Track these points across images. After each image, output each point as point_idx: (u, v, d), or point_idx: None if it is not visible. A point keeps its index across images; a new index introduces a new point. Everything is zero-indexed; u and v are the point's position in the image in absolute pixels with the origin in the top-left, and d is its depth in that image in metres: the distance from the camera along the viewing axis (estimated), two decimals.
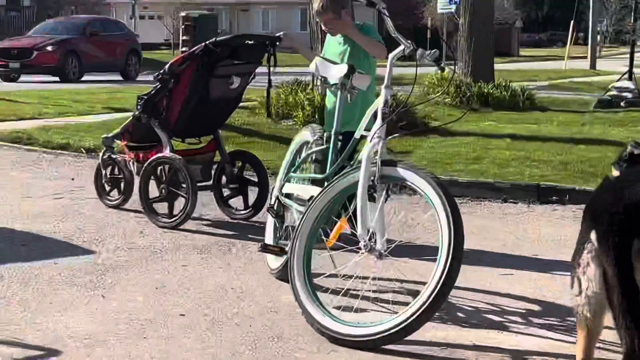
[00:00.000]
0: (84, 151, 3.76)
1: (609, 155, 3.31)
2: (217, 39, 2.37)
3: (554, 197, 2.82)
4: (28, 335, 1.31)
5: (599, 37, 18.49)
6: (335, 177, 1.51)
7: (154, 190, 2.39)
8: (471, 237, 1.95)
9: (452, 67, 3.24)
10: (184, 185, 2.23)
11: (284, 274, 1.60)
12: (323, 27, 2.02)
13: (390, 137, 1.51)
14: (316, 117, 4.11)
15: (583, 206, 2.66)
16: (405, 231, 2.19)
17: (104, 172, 2.56)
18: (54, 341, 1.27)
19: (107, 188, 2.60)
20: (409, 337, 1.21)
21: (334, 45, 2.05)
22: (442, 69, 1.74)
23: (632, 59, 7.22)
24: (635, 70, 7.20)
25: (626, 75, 6.92)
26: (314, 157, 1.77)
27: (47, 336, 1.30)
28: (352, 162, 1.57)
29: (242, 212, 2.46)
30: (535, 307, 1.61)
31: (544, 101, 6.58)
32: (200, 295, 1.63)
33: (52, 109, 5.83)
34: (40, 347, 1.25)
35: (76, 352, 1.21)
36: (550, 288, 1.75)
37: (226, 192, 2.51)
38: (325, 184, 1.56)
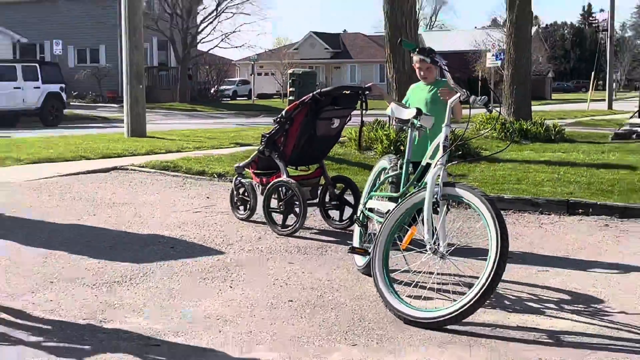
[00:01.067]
0: (216, 176, 4.57)
1: (624, 177, 4.25)
2: (322, 90, 2.92)
3: (580, 210, 3.36)
4: (173, 316, 1.66)
5: (614, 84, 25.88)
6: (407, 195, 1.83)
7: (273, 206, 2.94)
8: (515, 242, 2.35)
9: (498, 109, 3.70)
10: (297, 203, 2.78)
11: (368, 270, 1.96)
12: (420, 74, 2.28)
13: (449, 164, 1.81)
14: (392, 148, 4.77)
15: (604, 217, 2.93)
16: (462, 237, 2.51)
17: (235, 192, 3.20)
18: (194, 320, 1.63)
19: (238, 205, 3.23)
20: (466, 320, 1.50)
21: (419, 91, 2.35)
22: (490, 111, 2.18)
23: None
24: None
25: (637, 114, 9.60)
26: (390, 180, 2.16)
27: (188, 316, 1.66)
28: (419, 184, 1.85)
29: (340, 223, 3.01)
30: (566, 297, 1.92)
31: (572, 134, 8.03)
32: (304, 286, 2.01)
33: (192, 144, 7.06)
34: (183, 324, 1.58)
35: (210, 328, 1.55)
36: (579, 282, 2.07)
37: (328, 207, 3.05)
38: (399, 200, 1.86)
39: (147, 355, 1.35)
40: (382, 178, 2.26)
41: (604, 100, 19.81)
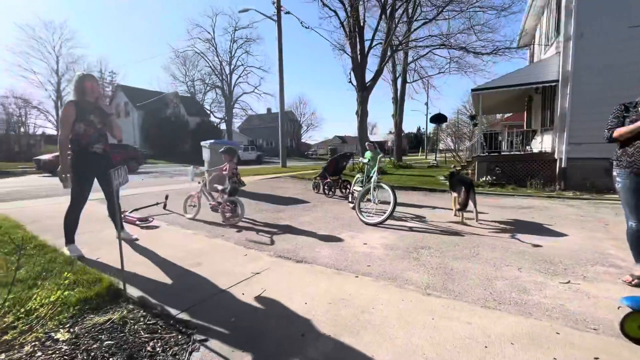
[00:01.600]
0: (306, 178, 9.36)
1: (430, 178, 8.02)
2: (337, 154, 7.24)
3: (417, 190, 6.81)
4: (291, 223, 5.64)
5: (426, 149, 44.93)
6: (364, 186, 5.67)
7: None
8: (399, 199, 6.23)
9: (390, 157, 9.66)
10: (332, 187, 7.17)
11: (352, 207, 5.84)
12: (369, 148, 6.37)
13: (378, 175, 5.64)
14: (360, 171, 9.10)
15: (424, 192, 8.90)
16: (382, 198, 6.30)
17: (314, 184, 7.80)
18: (303, 223, 5.50)
19: (316, 189, 7.70)
20: (385, 223, 5.35)
21: (370, 153, 6.24)
22: (388, 158, 6.41)
23: None
24: None
25: (433, 160, 22.41)
26: (360, 180, 6.13)
27: (300, 220, 5.62)
28: (368, 182, 5.63)
29: (344, 194, 7.28)
30: (413, 214, 5.78)
31: (414, 165, 20.87)
32: (334, 212, 5.78)
33: (301, 169, 14.74)
34: (301, 223, 5.52)
35: (309, 224, 5.38)
36: (419, 211, 5.87)
37: (341, 189, 7.41)
38: (363, 187, 5.66)
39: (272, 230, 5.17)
40: (356, 179, 6.23)
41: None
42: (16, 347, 1.54)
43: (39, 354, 1.89)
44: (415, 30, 16.71)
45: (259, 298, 2.61)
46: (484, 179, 9.99)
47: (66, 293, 2.16)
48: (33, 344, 1.92)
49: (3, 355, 1.45)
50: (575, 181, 9.00)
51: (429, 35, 15.82)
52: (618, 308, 2.46)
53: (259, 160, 32.48)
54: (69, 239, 3.55)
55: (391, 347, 2.01)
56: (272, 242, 4.12)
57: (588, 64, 8.80)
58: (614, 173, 2.91)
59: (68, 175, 3.42)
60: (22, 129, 33.17)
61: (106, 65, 53.00)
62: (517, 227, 4.95)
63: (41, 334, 1.84)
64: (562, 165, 9.22)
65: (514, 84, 10.26)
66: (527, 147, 11.94)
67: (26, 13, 62.63)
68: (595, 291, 2.79)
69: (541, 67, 10.16)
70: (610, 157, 2.96)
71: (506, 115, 29.77)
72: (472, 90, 10.80)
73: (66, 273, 2.17)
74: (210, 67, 39.89)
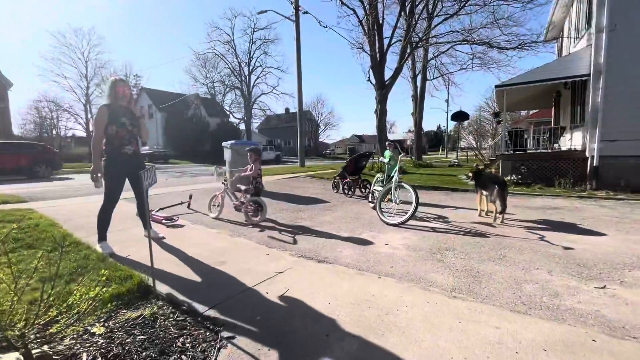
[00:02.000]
0: (325, 177, 9.62)
1: (452, 178, 7.92)
2: (357, 154, 7.07)
3: (439, 190, 6.65)
4: (318, 221, 5.66)
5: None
6: (385, 185, 5.59)
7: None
8: (421, 200, 6.09)
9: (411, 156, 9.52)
10: (352, 186, 7.16)
11: (373, 207, 5.77)
12: (389, 148, 6.22)
13: (400, 175, 5.56)
14: (381, 170, 9.57)
15: (446, 192, 8.72)
16: (403, 198, 6.20)
17: (334, 183, 7.81)
18: (324, 222, 5.49)
19: (333, 187, 7.72)
20: (407, 223, 5.29)
21: (389, 153, 6.10)
22: (409, 157, 6.32)
23: None
24: None
25: (455, 159, 21.78)
26: (380, 179, 6.04)
27: (321, 221, 5.63)
28: (389, 182, 5.55)
29: (364, 194, 7.27)
30: (434, 216, 5.65)
31: (435, 164, 20.10)
32: (354, 212, 5.79)
33: (320, 169, 15.28)
34: (322, 224, 5.57)
35: (330, 223, 5.36)
36: (441, 212, 5.74)
37: (360, 188, 7.40)
38: (384, 187, 5.57)
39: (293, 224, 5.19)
40: (376, 179, 6.14)
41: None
42: (57, 340, 1.63)
43: (78, 346, 1.99)
44: (436, 26, 16.39)
45: (282, 297, 2.63)
46: (509, 178, 9.68)
47: (104, 289, 2.26)
48: (72, 337, 2.02)
49: (46, 347, 1.53)
50: (608, 180, 8.56)
51: (450, 31, 15.48)
52: None
53: (278, 160, 32.81)
54: (101, 237, 3.71)
55: (417, 349, 1.98)
56: (295, 242, 4.15)
57: (623, 57, 8.35)
58: None
59: (99, 175, 3.57)
60: (54, 132, 34.93)
61: (131, 69, 54.95)
62: (546, 228, 4.77)
63: (80, 328, 1.92)
64: (594, 164, 8.79)
65: (541, 79, 9.88)
66: (555, 145, 11.47)
67: (59, 21, 65.88)
68: (635, 297, 2.65)
69: (570, 61, 9.73)
70: None
71: (531, 112, 28.70)
72: (496, 86, 10.48)
73: (103, 270, 2.27)
74: (230, 68, 40.61)
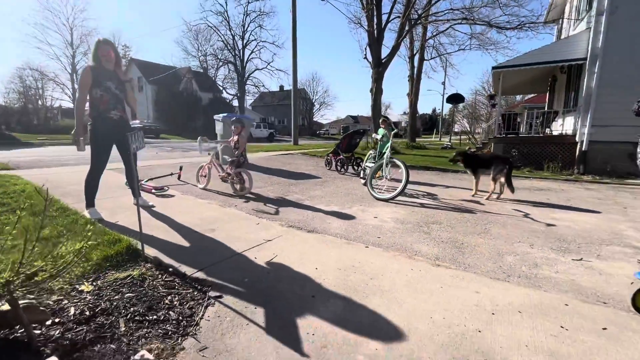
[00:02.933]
0: (318, 155, 9.34)
1: (443, 159, 7.62)
2: (350, 131, 7.10)
3: (430, 170, 6.69)
4: (314, 202, 5.69)
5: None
6: (377, 161, 5.62)
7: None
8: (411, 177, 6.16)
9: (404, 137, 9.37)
10: (345, 165, 7.08)
11: (364, 184, 5.87)
12: (382, 126, 6.16)
13: (391, 152, 5.60)
14: (373, 146, 9.36)
15: (436, 172, 9.18)
16: (394, 175, 6.26)
17: (326, 160, 7.70)
18: (315, 196, 5.57)
19: (328, 166, 7.60)
20: (396, 199, 5.35)
21: (382, 130, 6.05)
22: (400, 136, 6.29)
23: None
24: None
25: (448, 142, 22.36)
26: (372, 156, 5.98)
27: (312, 194, 5.67)
28: (381, 158, 5.57)
29: (356, 171, 7.28)
30: (426, 192, 5.73)
31: (429, 147, 20.03)
32: (346, 188, 5.86)
33: (314, 147, 14.95)
34: (313, 198, 5.59)
35: (320, 198, 5.44)
36: (431, 189, 5.82)
37: (353, 165, 7.48)
38: (375, 163, 5.63)
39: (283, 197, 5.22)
40: (368, 156, 6.14)
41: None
42: (44, 292, 1.64)
43: (65, 301, 2.01)
44: (435, 2, 15.99)
45: (270, 263, 2.68)
46: None
47: (90, 243, 2.27)
48: (60, 294, 2.03)
49: (33, 296, 1.55)
50: (595, 165, 8.72)
51: (450, 9, 15.11)
52: (631, 283, 2.44)
53: (271, 138, 32.49)
54: (89, 203, 3.68)
55: (399, 310, 2.06)
56: (285, 213, 4.18)
57: (620, 41, 8.31)
58: (639, 150, 2.80)
59: (81, 138, 3.49)
60: (39, 102, 33.84)
61: (119, 39, 52.71)
62: (531, 207, 4.88)
63: (67, 280, 1.94)
64: (583, 148, 8.92)
65: (538, 61, 9.82)
66: (547, 130, 11.57)
67: None
68: (609, 269, 2.76)
69: (569, 43, 9.66)
70: (634, 140, 2.84)
71: (527, 97, 28.73)
72: (493, 67, 10.39)
73: (89, 226, 2.27)
74: (223, 41, 39.32)
